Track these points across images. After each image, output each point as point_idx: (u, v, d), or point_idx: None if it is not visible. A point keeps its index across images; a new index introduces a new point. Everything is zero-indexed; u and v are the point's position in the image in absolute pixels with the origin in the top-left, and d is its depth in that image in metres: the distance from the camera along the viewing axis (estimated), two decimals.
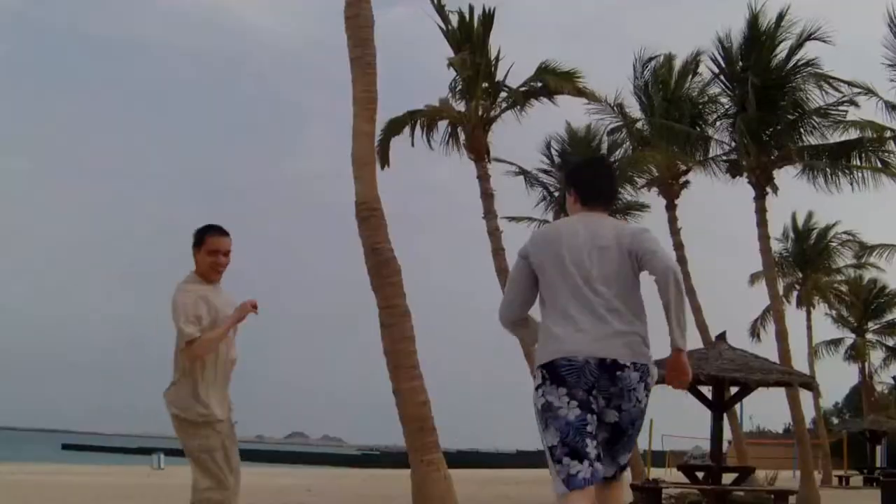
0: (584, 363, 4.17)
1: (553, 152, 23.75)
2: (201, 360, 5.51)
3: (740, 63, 20.66)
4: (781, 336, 20.14)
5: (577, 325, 4.23)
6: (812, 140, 20.51)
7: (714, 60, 21.26)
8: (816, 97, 20.10)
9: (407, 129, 19.48)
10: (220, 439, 5.66)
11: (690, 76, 22.64)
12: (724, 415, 16.23)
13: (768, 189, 20.17)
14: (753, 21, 20.44)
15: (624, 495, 4.44)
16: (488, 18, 19.05)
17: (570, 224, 4.50)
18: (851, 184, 20.12)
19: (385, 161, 19.06)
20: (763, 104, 19.74)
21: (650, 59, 23.27)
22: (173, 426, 5.63)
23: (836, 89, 19.72)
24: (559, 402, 4.17)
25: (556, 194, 23.50)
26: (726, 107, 21.35)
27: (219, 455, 5.65)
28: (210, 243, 5.64)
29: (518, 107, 19.83)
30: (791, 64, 20.30)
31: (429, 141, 19.97)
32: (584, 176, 4.71)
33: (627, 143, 23.80)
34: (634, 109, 23.95)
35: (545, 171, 23.70)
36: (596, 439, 4.16)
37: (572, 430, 4.12)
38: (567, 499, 4.11)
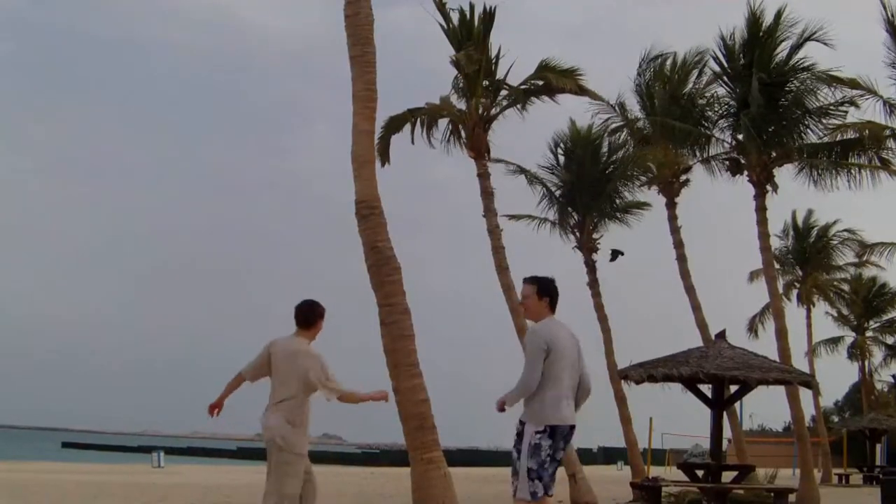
0: (567, 428, 6.86)
1: (559, 150, 23.68)
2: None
3: (742, 61, 20.63)
4: (781, 334, 20.11)
5: (568, 402, 6.87)
6: (812, 139, 20.50)
7: (715, 59, 21.23)
8: (817, 96, 20.06)
9: (407, 127, 19.47)
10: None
11: (694, 75, 22.55)
12: (724, 413, 16.24)
13: (768, 187, 20.17)
14: (753, 19, 20.42)
15: None
16: (489, 16, 19.02)
17: (561, 327, 6.95)
18: (849, 182, 20.13)
19: (385, 159, 19.04)
20: (765, 102, 19.73)
21: (654, 58, 23.23)
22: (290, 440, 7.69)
23: (836, 87, 19.68)
24: (544, 447, 6.75)
25: (558, 193, 23.46)
26: (727, 105, 21.32)
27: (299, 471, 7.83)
28: (323, 319, 7.93)
29: (519, 105, 19.80)
30: (792, 62, 20.29)
31: (429, 139, 19.96)
32: (554, 291, 7.03)
33: (629, 142, 23.75)
34: (636, 108, 23.95)
35: (549, 169, 23.62)
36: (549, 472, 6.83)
37: (542, 467, 6.75)
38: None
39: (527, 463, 6.69)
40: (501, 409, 6.85)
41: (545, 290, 6.99)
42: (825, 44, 19.84)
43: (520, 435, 6.84)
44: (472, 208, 19.41)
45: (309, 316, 7.81)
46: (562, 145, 23.65)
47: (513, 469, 6.88)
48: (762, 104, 19.53)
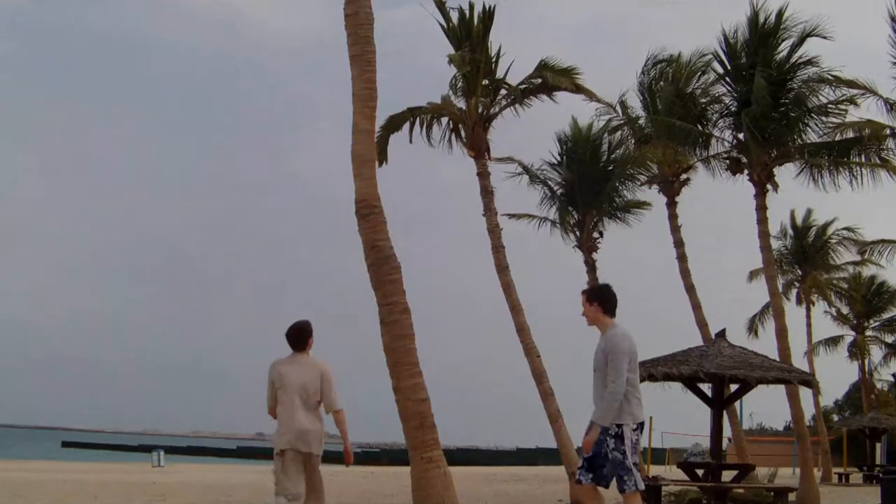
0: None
1: (561, 148, 23.63)
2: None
3: (744, 60, 20.60)
4: (781, 333, 20.07)
5: (640, 402, 7.38)
6: (812, 137, 20.48)
7: (716, 57, 21.17)
8: (818, 94, 20.03)
9: (406, 126, 19.45)
10: None
11: (698, 74, 22.45)
12: (724, 412, 16.23)
13: (769, 186, 20.14)
14: (755, 18, 20.39)
15: None
16: (488, 15, 19.01)
17: (628, 333, 7.39)
18: (851, 182, 20.10)
19: (383, 158, 19.04)
20: (766, 101, 19.68)
21: (661, 61, 23.18)
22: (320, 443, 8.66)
23: (836, 86, 19.67)
24: (637, 441, 7.41)
25: (560, 191, 23.42)
26: (728, 103, 21.28)
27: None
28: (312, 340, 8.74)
29: (518, 104, 19.78)
30: (792, 61, 20.26)
31: (428, 138, 19.94)
32: (607, 296, 7.53)
33: (630, 140, 23.72)
34: (638, 107, 23.90)
35: (553, 167, 23.55)
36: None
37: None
38: (638, 496, 7.33)
39: (632, 458, 7.27)
40: (594, 439, 7.28)
41: (593, 295, 7.56)
42: (824, 37, 19.81)
43: (618, 437, 7.22)
44: (474, 207, 19.42)
45: (299, 339, 8.65)
46: (562, 144, 23.62)
47: (622, 469, 7.23)
48: (765, 102, 19.49)
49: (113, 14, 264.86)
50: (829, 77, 19.74)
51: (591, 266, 23.31)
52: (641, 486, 7.30)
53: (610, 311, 7.46)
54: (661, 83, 23.13)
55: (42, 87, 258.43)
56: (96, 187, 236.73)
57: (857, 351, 39.90)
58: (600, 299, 7.50)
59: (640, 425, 7.41)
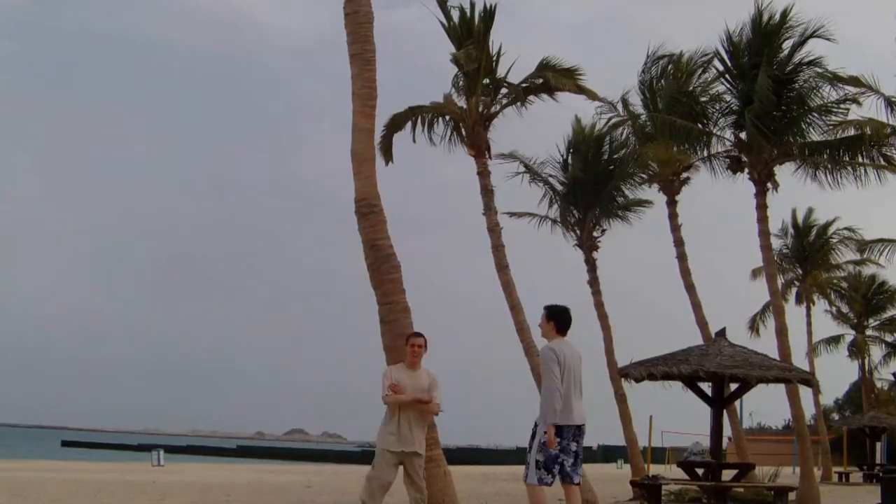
0: (573, 427, 8.37)
1: (567, 148, 23.59)
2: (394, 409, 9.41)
3: (746, 59, 20.55)
4: (781, 332, 20.05)
5: (573, 404, 8.34)
6: (814, 136, 20.44)
7: (718, 56, 21.10)
8: (820, 93, 20.00)
9: (409, 126, 19.44)
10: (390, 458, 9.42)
11: (698, 73, 22.37)
12: (724, 411, 16.22)
13: (769, 185, 20.11)
14: (759, 17, 20.34)
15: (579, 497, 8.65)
16: (489, 14, 18.99)
17: (566, 345, 8.57)
18: (855, 180, 20.04)
19: (388, 157, 19.03)
20: (770, 99, 19.64)
21: (660, 58, 23.14)
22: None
23: (838, 86, 19.64)
24: (541, 440, 8.28)
25: (562, 189, 23.38)
26: (730, 102, 21.23)
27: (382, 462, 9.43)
28: (412, 341, 9.62)
29: (518, 103, 19.74)
30: (795, 60, 20.21)
31: (430, 137, 19.91)
32: (563, 317, 8.68)
33: (632, 140, 23.68)
34: (640, 105, 23.86)
35: (559, 165, 23.51)
36: (561, 464, 8.34)
37: (551, 460, 8.30)
38: (536, 489, 8.34)
39: (535, 455, 8.28)
40: (552, 437, 8.23)
41: (551, 315, 8.65)
42: (828, 39, 19.79)
43: (533, 433, 8.38)
44: (474, 206, 19.39)
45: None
46: (565, 143, 23.60)
47: (528, 460, 8.40)
48: (771, 101, 19.44)
49: (113, 14, 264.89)
50: (832, 76, 19.69)
51: (591, 265, 23.30)
52: (532, 480, 8.31)
53: (561, 329, 8.61)
54: (663, 81, 23.09)
55: (42, 87, 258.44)
56: (96, 187, 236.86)
57: (858, 350, 39.88)
58: (556, 319, 8.62)
59: (558, 428, 8.22)
